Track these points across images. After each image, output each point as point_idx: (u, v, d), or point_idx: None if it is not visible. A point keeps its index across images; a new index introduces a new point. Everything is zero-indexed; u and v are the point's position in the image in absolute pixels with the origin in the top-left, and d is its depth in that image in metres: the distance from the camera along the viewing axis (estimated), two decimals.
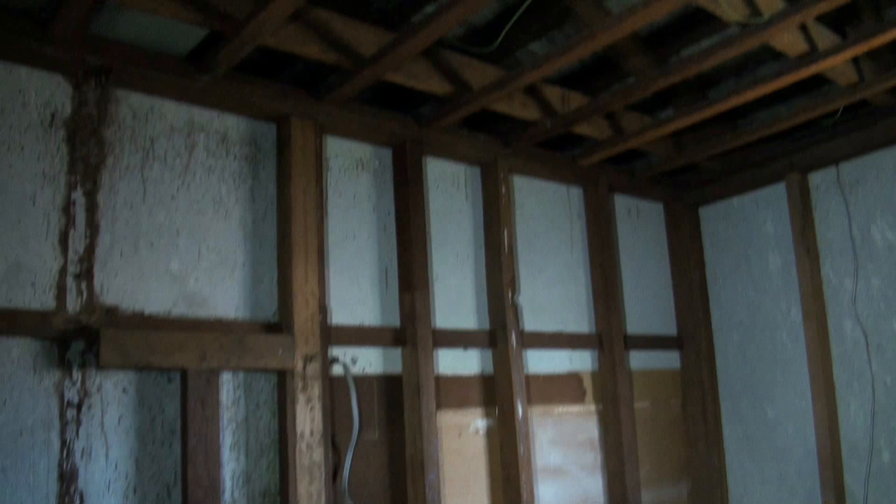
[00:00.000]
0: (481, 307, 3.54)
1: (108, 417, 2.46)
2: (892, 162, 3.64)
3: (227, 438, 2.69)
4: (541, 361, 3.69)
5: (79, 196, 2.50)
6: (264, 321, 2.85)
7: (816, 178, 3.92)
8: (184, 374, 2.54)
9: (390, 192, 3.34)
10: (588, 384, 3.87)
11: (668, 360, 4.31)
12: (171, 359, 2.47)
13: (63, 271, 2.43)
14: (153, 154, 2.71)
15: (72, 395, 2.39)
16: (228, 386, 2.73)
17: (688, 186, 4.44)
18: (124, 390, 2.50)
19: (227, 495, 2.65)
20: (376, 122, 3.22)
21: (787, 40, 2.86)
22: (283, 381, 2.79)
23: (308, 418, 2.77)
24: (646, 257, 4.34)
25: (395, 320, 3.21)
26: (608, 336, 3.91)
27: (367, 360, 3.11)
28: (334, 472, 2.92)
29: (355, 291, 3.13)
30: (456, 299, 3.45)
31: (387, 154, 3.36)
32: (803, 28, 2.87)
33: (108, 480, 2.43)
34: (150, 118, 2.72)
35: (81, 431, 2.40)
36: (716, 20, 2.95)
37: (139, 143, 2.68)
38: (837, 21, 2.96)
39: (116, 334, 2.38)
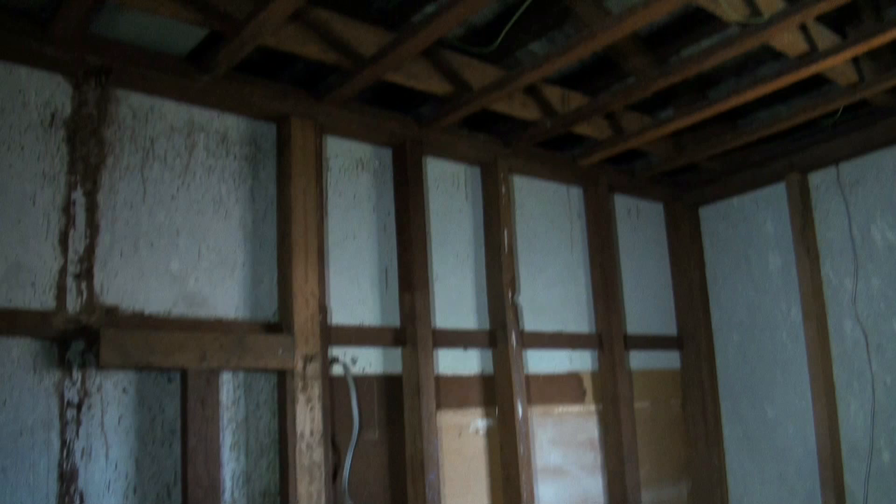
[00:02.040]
0: (481, 307, 3.54)
1: (108, 417, 2.46)
2: (892, 162, 3.64)
3: (227, 438, 2.69)
4: (541, 361, 3.69)
5: (79, 196, 2.50)
6: (264, 321, 2.85)
7: (816, 178, 3.92)
8: (184, 374, 2.54)
9: (390, 192, 3.34)
10: (588, 384, 3.87)
11: (668, 360, 4.31)
12: (171, 359, 2.47)
13: (63, 271, 2.43)
14: (153, 154, 2.71)
15: (72, 395, 2.39)
16: (228, 386, 2.73)
17: (688, 186, 4.44)
18: (124, 390, 2.50)
19: (227, 495, 2.65)
20: (376, 122, 3.22)
21: (787, 40, 2.86)
22: (283, 381, 2.79)
23: (308, 418, 2.77)
24: (646, 257, 4.34)
25: (395, 320, 3.21)
26: (608, 336, 3.91)
27: (367, 360, 3.11)
28: (334, 472, 2.92)
29: (355, 291, 3.13)
30: (456, 299, 3.45)
31: (387, 154, 3.36)
32: (803, 28, 2.87)
33: (108, 480, 2.43)
34: (150, 118, 2.72)
35: (81, 431, 2.40)
36: (716, 20, 2.95)
37: (139, 143, 2.68)
38: (837, 21, 2.96)
39: (116, 334, 2.38)
